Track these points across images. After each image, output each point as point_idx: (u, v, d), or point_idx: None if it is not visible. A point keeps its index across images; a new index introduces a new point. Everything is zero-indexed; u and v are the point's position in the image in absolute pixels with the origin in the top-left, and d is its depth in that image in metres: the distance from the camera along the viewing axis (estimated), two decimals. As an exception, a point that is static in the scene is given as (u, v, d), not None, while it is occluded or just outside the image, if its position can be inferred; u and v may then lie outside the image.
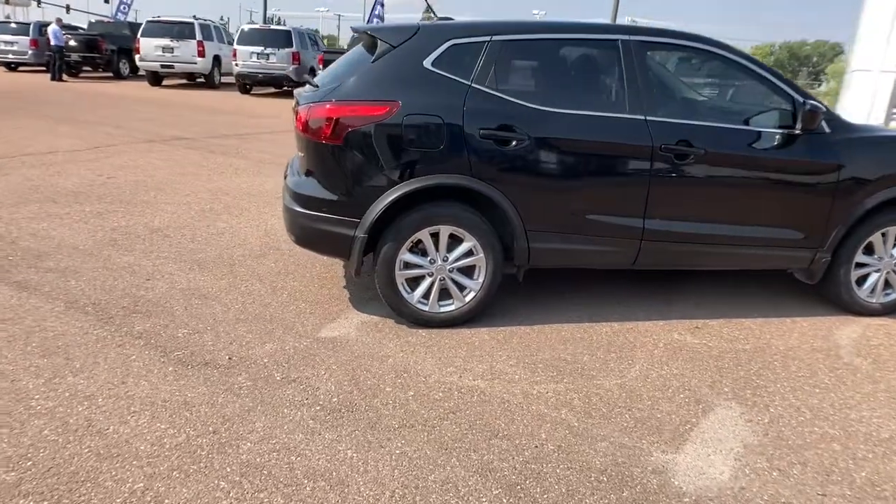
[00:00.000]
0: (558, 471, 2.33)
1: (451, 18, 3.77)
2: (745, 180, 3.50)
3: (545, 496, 2.20)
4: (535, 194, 3.31)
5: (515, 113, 3.24)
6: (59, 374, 2.81)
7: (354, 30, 3.68)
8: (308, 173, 3.34)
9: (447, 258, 3.35)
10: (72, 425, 2.46)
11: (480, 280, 3.40)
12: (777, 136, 3.48)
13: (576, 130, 3.31)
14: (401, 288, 3.36)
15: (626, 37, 3.42)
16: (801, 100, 3.50)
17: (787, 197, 3.57)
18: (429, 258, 3.34)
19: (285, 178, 3.81)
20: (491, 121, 3.21)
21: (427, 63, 3.24)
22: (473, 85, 3.24)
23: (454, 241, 3.34)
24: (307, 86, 3.85)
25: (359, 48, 3.72)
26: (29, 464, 2.21)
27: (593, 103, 3.41)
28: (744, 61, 3.54)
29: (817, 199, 3.58)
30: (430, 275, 3.37)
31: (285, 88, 17.51)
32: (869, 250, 3.78)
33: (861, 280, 3.83)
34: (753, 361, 3.26)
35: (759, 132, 3.48)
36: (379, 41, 3.28)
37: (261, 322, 3.40)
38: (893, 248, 3.80)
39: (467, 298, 3.42)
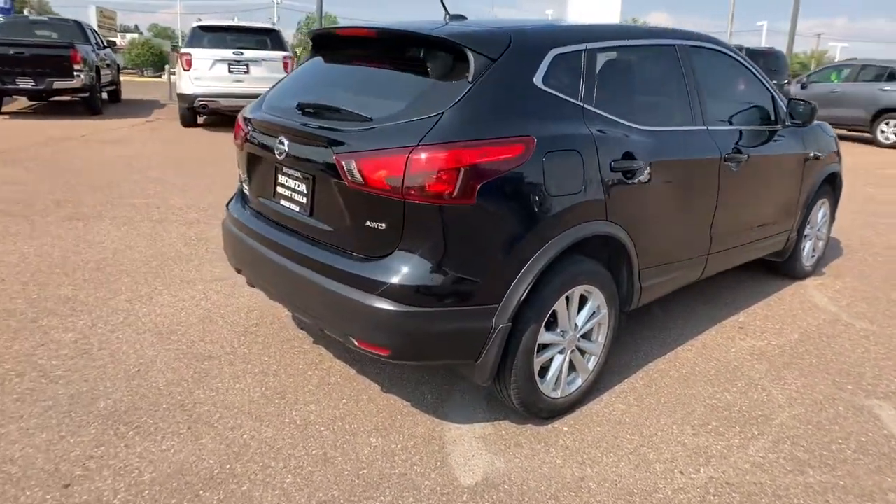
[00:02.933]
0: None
1: (464, 17, 2.89)
2: (767, 178, 3.58)
3: None
4: (650, 228, 2.82)
5: (631, 137, 2.66)
6: None
7: (406, 33, 2.49)
8: (406, 250, 2.19)
9: (576, 325, 2.64)
10: None
11: (601, 341, 2.78)
12: (779, 133, 3.62)
13: (677, 150, 2.90)
14: (537, 379, 2.52)
15: (682, 42, 3.09)
16: (783, 100, 3.70)
17: (783, 187, 3.79)
18: (560, 330, 2.57)
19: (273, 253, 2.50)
20: (616, 150, 2.57)
21: (538, 81, 2.40)
22: (585, 106, 2.53)
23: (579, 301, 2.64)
24: (305, 118, 2.54)
25: (355, 65, 2.65)
26: None
27: (678, 117, 3.02)
28: (746, 63, 3.56)
29: (795, 186, 3.88)
30: (561, 351, 2.62)
31: None
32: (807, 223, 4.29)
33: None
34: (821, 350, 3.39)
35: (768, 130, 3.57)
36: (471, 53, 2.28)
37: (366, 488, 2.19)
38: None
39: (590, 366, 2.77)
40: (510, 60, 2.34)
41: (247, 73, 10.91)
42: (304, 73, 2.96)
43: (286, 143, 2.50)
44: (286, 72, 11.23)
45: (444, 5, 2.84)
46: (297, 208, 2.56)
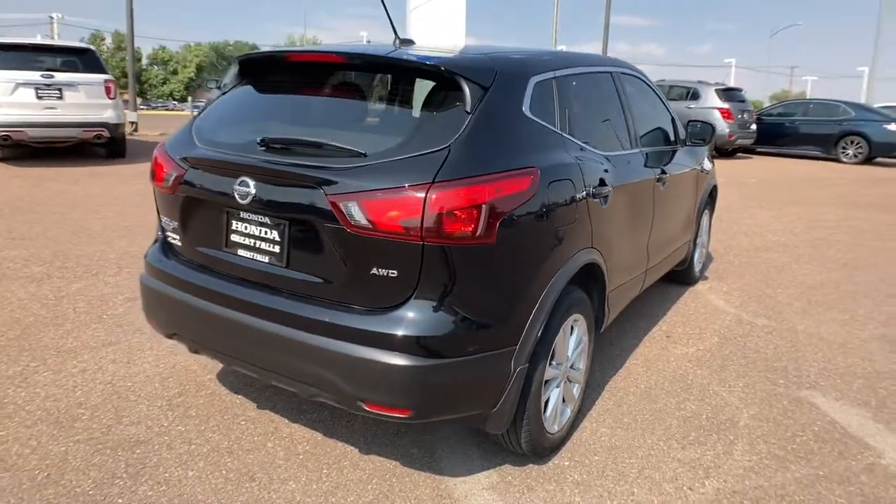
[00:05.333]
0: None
1: (412, 41, 2.73)
2: (679, 194, 3.84)
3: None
4: (615, 250, 2.85)
5: (600, 163, 2.68)
6: None
7: (388, 59, 2.22)
8: (424, 297, 1.96)
9: (568, 356, 2.58)
10: None
11: (582, 367, 2.75)
12: (682, 152, 3.91)
13: (629, 173, 3.00)
14: (542, 417, 2.42)
15: (615, 69, 3.21)
16: (679, 121, 4.02)
17: (688, 201, 4.10)
18: (557, 363, 2.49)
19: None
20: (594, 177, 2.56)
21: (526, 110, 2.31)
22: (563, 134, 2.50)
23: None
24: (259, 147, 2.20)
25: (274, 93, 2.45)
26: None
27: (623, 141, 3.11)
28: (654, 88, 3.80)
29: (693, 199, 4.23)
30: (558, 385, 2.54)
31: None
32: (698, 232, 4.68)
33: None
34: (742, 350, 3.69)
35: (673, 150, 3.84)
36: (465, 83, 2.13)
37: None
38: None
39: (576, 394, 2.73)
40: (500, 89, 2.23)
41: (60, 98, 9.55)
42: (240, 104, 2.59)
43: (252, 184, 2.15)
44: (109, 97, 10.03)
45: (394, 29, 2.65)
46: (265, 259, 2.21)
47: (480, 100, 2.14)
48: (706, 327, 4.04)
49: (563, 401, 2.64)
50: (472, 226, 1.94)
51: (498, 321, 2.09)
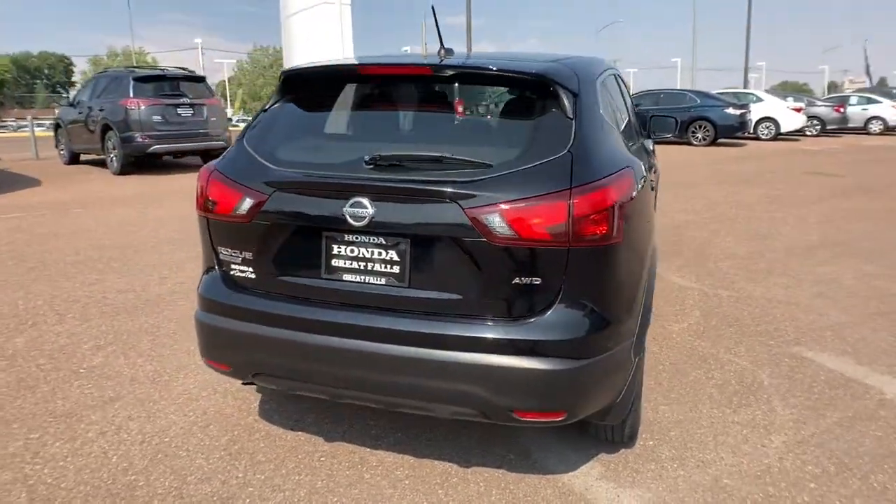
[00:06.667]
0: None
1: (452, 51, 2.73)
2: (653, 181, 4.15)
3: None
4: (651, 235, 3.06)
5: (641, 156, 2.86)
6: None
7: (494, 72, 2.17)
8: (568, 301, 2.01)
9: (640, 342, 2.73)
10: None
11: (634, 352, 2.92)
12: (648, 142, 4.24)
13: (647, 164, 3.18)
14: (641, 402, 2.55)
15: (613, 69, 3.41)
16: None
17: (655, 186, 4.43)
18: (631, 349, 2.64)
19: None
20: (645, 169, 2.74)
21: (601, 111, 2.43)
22: (619, 131, 2.65)
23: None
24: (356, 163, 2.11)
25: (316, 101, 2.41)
26: None
27: (633, 135, 3.30)
28: (625, 82, 4.07)
29: (656, 185, 4.58)
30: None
31: None
32: (646, 217, 5.07)
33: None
34: (726, 320, 4.08)
35: (643, 141, 4.15)
36: (562, 90, 2.19)
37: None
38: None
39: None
40: (584, 94, 2.32)
41: None
42: (309, 121, 2.44)
43: (368, 204, 2.05)
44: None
45: (440, 39, 2.63)
46: (381, 281, 2.12)
47: (575, 105, 2.22)
48: (683, 303, 4.42)
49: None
50: (607, 227, 2.02)
51: (624, 316, 2.18)
